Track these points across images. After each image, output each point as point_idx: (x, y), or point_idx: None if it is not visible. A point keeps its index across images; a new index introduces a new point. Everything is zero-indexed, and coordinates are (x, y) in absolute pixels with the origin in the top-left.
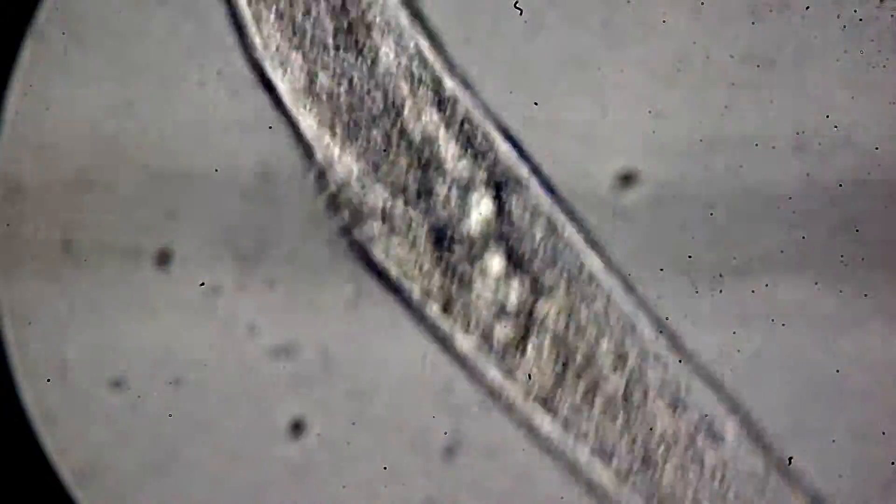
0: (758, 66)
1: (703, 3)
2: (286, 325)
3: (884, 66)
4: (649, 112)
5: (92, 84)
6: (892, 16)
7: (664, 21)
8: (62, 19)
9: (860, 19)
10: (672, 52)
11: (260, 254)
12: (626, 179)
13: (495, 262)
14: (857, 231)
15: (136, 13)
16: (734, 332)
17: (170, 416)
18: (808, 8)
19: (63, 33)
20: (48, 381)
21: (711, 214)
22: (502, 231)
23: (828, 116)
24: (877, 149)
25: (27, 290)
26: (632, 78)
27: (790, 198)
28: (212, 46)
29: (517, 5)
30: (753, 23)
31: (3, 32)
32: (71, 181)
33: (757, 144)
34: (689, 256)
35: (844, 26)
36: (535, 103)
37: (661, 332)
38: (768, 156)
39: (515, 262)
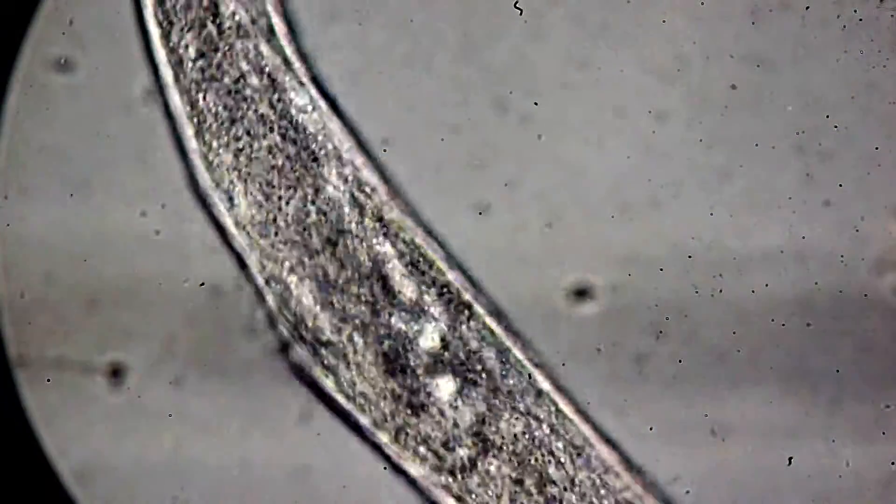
0: (758, 66)
1: (703, 3)
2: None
3: (884, 66)
4: (649, 113)
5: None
6: (892, 16)
7: (664, 21)
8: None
9: (860, 19)
10: (672, 52)
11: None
12: (581, 294)
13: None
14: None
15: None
16: None
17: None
18: (808, 8)
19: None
20: (48, 381)
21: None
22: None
23: (828, 116)
24: (877, 149)
25: None
26: (632, 78)
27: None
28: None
29: (517, 5)
30: (753, 23)
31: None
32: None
33: (757, 144)
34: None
35: (844, 26)
36: (535, 103)
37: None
38: (768, 156)
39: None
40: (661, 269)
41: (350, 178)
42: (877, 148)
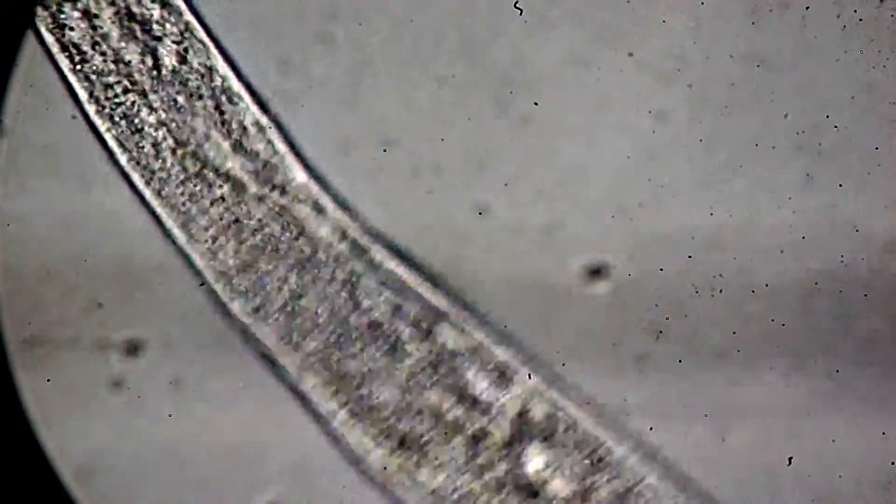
0: (758, 66)
1: (703, 3)
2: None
3: (884, 66)
4: (649, 113)
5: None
6: (892, 16)
7: (664, 21)
8: None
9: (860, 19)
10: (672, 52)
11: None
12: (595, 272)
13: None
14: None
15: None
16: None
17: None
18: (808, 8)
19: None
20: (48, 380)
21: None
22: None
23: (828, 116)
24: (877, 149)
25: None
26: (632, 78)
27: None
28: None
29: (517, 5)
30: (753, 23)
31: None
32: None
33: (757, 144)
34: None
35: (844, 26)
36: (536, 103)
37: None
38: (768, 156)
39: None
40: (661, 269)
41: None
42: (877, 148)
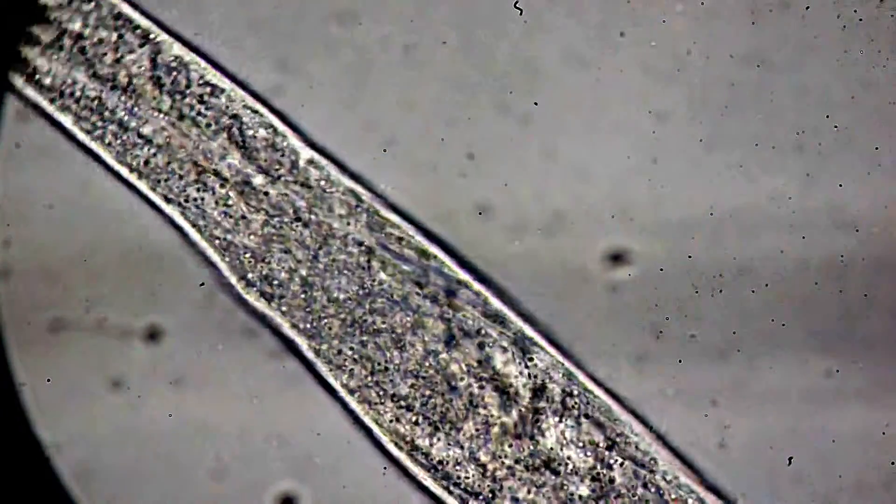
0: (758, 66)
1: (703, 3)
2: None
3: (884, 66)
4: (649, 113)
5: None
6: (892, 16)
7: (664, 21)
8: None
9: (860, 19)
10: (672, 52)
11: None
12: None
13: None
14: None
15: None
16: None
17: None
18: (808, 8)
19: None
20: (48, 380)
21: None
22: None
23: (828, 116)
24: (877, 149)
25: None
26: (632, 78)
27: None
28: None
29: (517, 5)
30: (753, 23)
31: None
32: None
33: (757, 144)
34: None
35: (844, 26)
36: (535, 103)
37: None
38: (768, 156)
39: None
40: (661, 269)
41: None
42: (877, 148)
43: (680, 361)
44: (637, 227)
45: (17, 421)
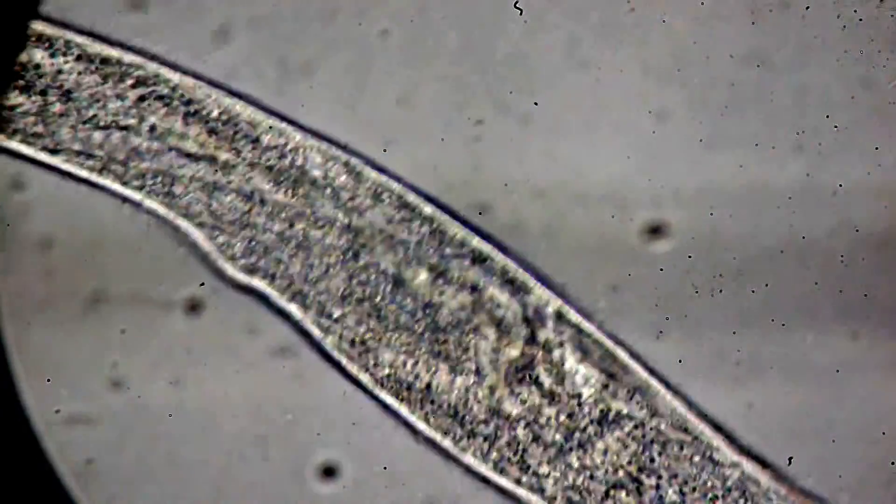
0: (758, 66)
1: (703, 3)
2: None
3: (884, 66)
4: (649, 113)
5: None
6: (892, 16)
7: (664, 21)
8: None
9: (860, 19)
10: (672, 52)
11: None
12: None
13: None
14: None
15: None
16: None
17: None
18: (808, 8)
19: None
20: (48, 380)
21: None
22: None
23: (828, 116)
24: (877, 148)
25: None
26: (632, 78)
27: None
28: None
29: (517, 5)
30: (753, 23)
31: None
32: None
33: (757, 144)
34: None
35: (844, 26)
36: (535, 103)
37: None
38: (768, 156)
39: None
40: (661, 269)
41: None
42: (877, 148)
43: (680, 362)
44: (637, 227)
45: (17, 421)
